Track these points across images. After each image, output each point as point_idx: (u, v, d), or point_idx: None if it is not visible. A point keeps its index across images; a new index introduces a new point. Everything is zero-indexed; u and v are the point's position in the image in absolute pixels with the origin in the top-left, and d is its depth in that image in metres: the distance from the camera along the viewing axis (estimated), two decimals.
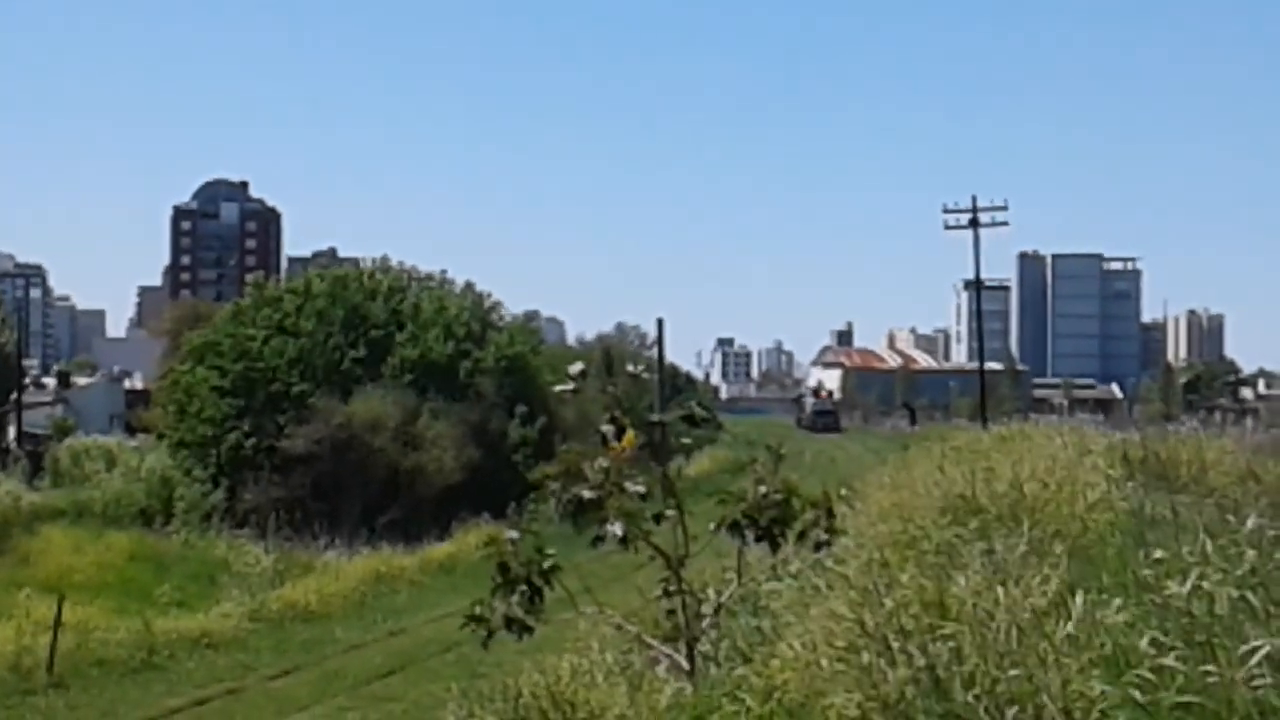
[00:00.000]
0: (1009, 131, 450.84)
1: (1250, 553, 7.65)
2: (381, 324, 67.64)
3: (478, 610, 10.01)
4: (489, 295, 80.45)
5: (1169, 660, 6.51)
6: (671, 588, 10.44)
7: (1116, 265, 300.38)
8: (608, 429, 10.03)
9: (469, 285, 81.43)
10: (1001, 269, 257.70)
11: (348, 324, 67.12)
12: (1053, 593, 8.56)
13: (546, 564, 9.95)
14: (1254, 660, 6.22)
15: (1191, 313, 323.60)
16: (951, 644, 7.45)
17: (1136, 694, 6.37)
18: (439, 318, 68.89)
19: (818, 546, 10.73)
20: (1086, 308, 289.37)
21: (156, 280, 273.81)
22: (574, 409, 62.51)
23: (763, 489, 10.44)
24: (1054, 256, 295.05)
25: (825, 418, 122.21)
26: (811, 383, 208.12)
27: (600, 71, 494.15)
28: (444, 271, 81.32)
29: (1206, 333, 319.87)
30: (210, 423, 63.88)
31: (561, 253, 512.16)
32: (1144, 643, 6.78)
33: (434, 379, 65.18)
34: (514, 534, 10.12)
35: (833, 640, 8.96)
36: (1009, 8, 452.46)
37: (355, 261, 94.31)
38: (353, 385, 63.69)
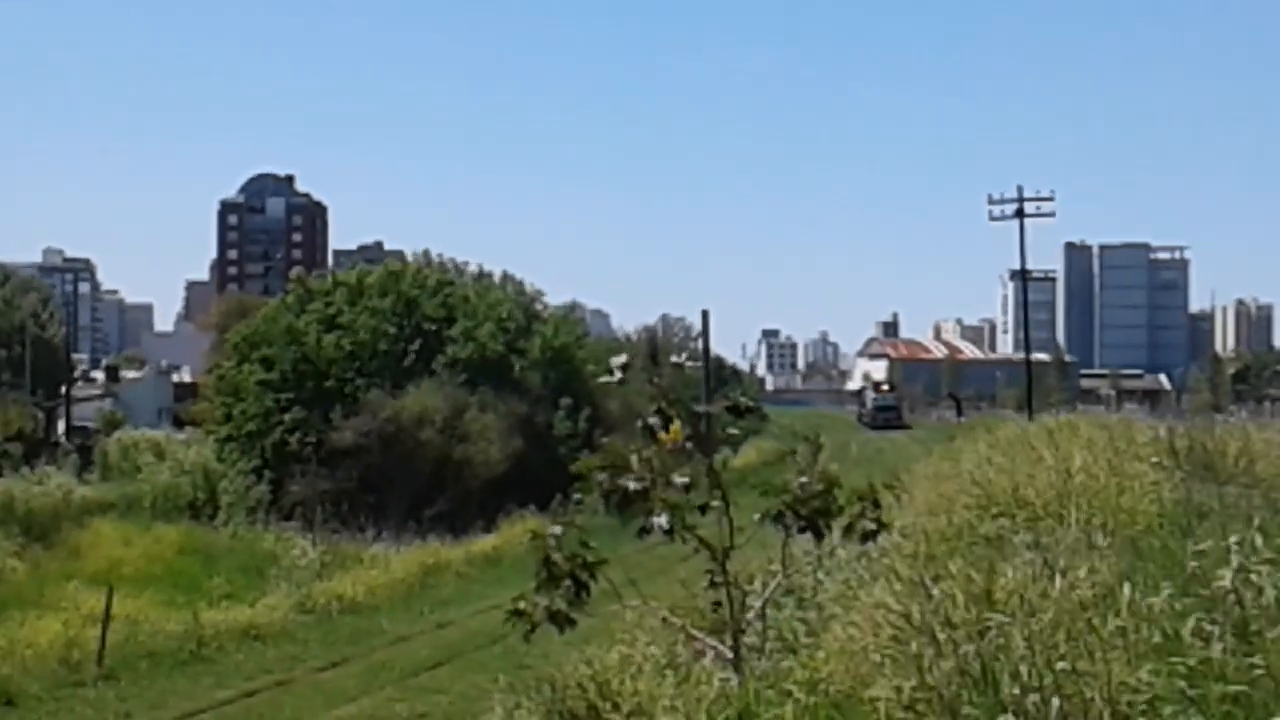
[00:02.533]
0: (1055, 121, 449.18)
1: None
2: (433, 318, 67.88)
3: (520, 605, 10.01)
4: (532, 286, 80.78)
5: (1217, 651, 6.48)
6: (717, 579, 10.43)
7: (1164, 255, 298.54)
8: (653, 420, 10.02)
9: (505, 276, 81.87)
10: (1048, 259, 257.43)
11: (400, 318, 67.41)
12: (1100, 584, 8.52)
13: (591, 558, 9.93)
14: None
15: (1240, 302, 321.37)
16: (999, 636, 7.42)
17: (1184, 685, 6.34)
18: (490, 312, 69.14)
19: (864, 538, 10.70)
20: (1134, 298, 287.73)
21: (204, 274, 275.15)
22: (619, 400, 62.67)
23: (803, 480, 10.41)
24: (1101, 246, 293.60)
25: (887, 413, 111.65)
26: (858, 374, 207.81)
27: (645, 62, 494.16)
28: (479, 265, 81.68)
29: (1255, 323, 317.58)
30: (257, 416, 64.23)
31: (607, 245, 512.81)
32: (1190, 633, 6.75)
33: (484, 373, 65.40)
34: (557, 529, 10.11)
35: (879, 632, 8.94)
36: None
37: (400, 255, 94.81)
38: (406, 379, 63.96)
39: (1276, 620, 6.75)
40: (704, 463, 10.48)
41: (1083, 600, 7.87)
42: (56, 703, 26.33)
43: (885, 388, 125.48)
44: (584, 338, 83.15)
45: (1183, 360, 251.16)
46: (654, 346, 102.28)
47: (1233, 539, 7.74)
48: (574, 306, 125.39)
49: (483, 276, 79.61)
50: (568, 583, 9.88)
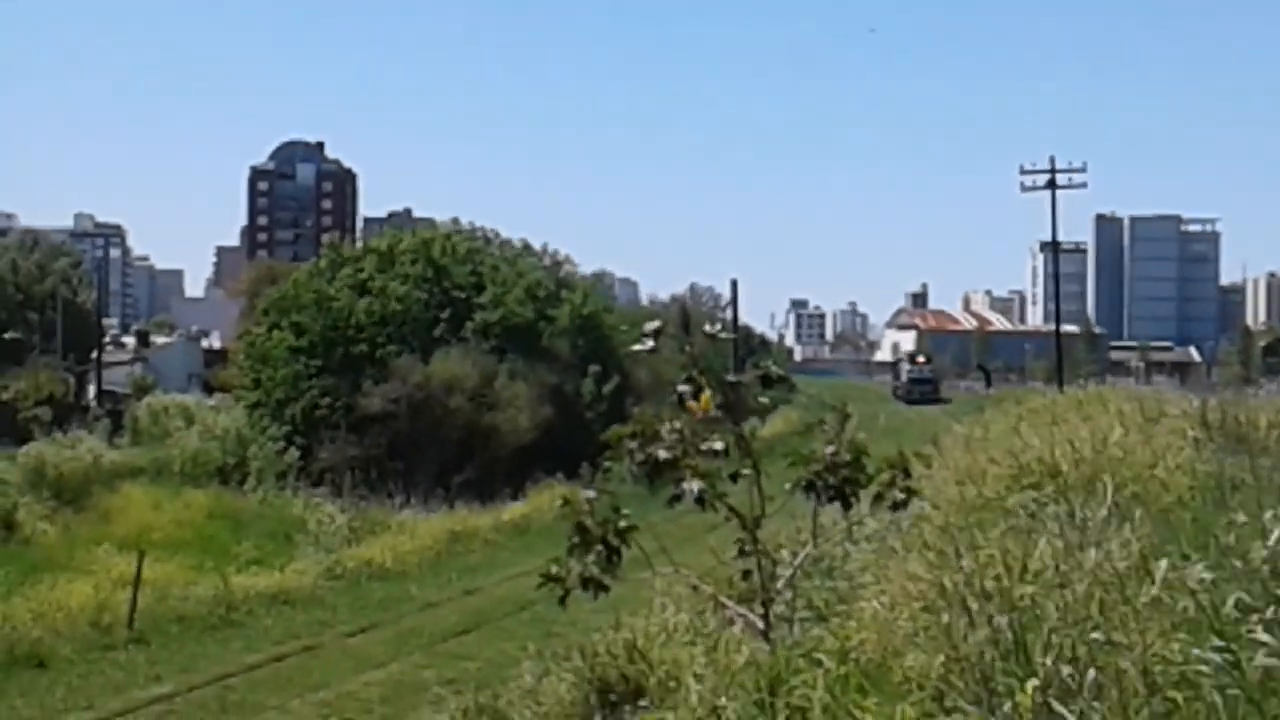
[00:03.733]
0: (1088, 91, 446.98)
1: None
2: (463, 285, 67.96)
3: (554, 570, 10.02)
4: (560, 253, 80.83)
5: (1252, 624, 6.44)
6: (747, 548, 10.42)
7: (1195, 227, 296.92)
8: (684, 388, 10.00)
9: (527, 245, 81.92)
10: (1078, 231, 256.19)
11: (431, 285, 67.50)
12: (1134, 556, 8.49)
13: (623, 524, 9.93)
14: None
15: (1271, 275, 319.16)
16: (1032, 607, 7.40)
17: (1218, 658, 6.31)
18: (520, 280, 69.20)
19: (894, 507, 10.68)
20: (1164, 270, 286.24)
21: (234, 240, 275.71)
22: (647, 369, 62.69)
23: (831, 449, 10.39)
24: (1132, 218, 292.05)
25: (923, 386, 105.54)
26: (886, 345, 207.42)
27: (674, 33, 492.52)
28: (499, 233, 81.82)
29: None
30: (286, 382, 64.40)
31: (636, 214, 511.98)
32: (1228, 606, 6.71)
33: (514, 340, 65.47)
34: (590, 493, 10.12)
35: (910, 602, 8.93)
36: None
37: (430, 222, 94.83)
38: (435, 346, 64.05)
39: None
40: (734, 431, 10.47)
41: (1117, 572, 7.84)
42: (87, 665, 26.52)
43: (921, 359, 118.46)
44: (611, 305, 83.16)
45: (1213, 333, 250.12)
46: (685, 315, 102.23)
47: (1268, 513, 7.71)
48: (602, 275, 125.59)
49: (512, 244, 79.44)
50: (600, 548, 9.89)
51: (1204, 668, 6.25)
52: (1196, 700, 6.12)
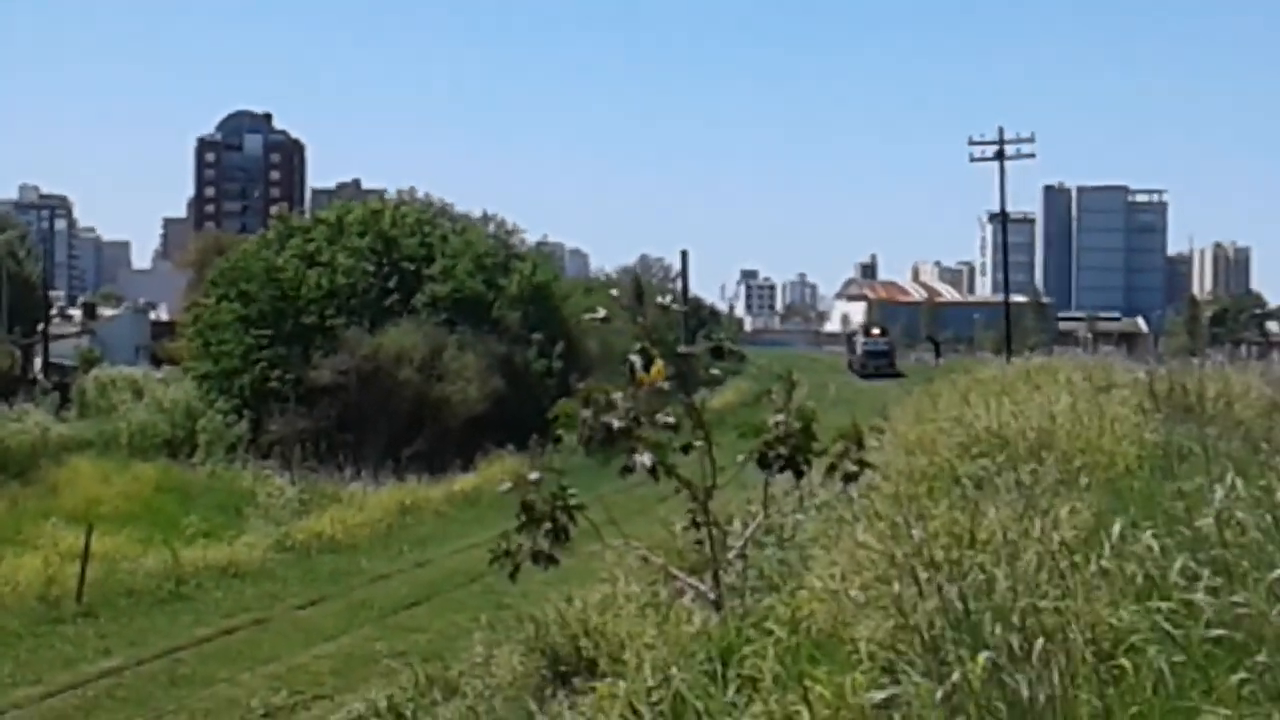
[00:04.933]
0: (1036, 63, 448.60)
1: None
2: (412, 256, 67.72)
3: (504, 545, 10.03)
4: (509, 223, 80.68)
5: (1199, 592, 6.50)
6: (699, 519, 10.45)
7: (1142, 198, 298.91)
8: (636, 360, 10.01)
9: (485, 214, 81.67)
10: (1027, 202, 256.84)
11: (380, 256, 67.25)
12: (1082, 525, 8.55)
13: (571, 501, 9.96)
14: None
15: (1218, 245, 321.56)
16: (981, 576, 7.44)
17: (1167, 626, 6.37)
18: (468, 249, 68.99)
19: (847, 479, 10.73)
20: (1112, 241, 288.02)
21: (181, 212, 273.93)
22: (597, 340, 62.66)
23: (780, 418, 10.42)
24: (1079, 189, 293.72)
25: (878, 360, 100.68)
26: (836, 316, 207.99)
27: (621, 4, 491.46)
28: (449, 203, 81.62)
29: (1233, 266, 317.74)
30: (235, 354, 64.07)
31: (585, 185, 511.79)
32: (1174, 574, 6.77)
33: (463, 312, 65.30)
34: (536, 475, 10.13)
35: (861, 572, 8.96)
36: None
37: (379, 193, 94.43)
38: (385, 318, 63.85)
39: (1258, 560, 6.78)
40: (685, 402, 10.48)
41: (1065, 540, 7.89)
42: (36, 639, 26.33)
43: (876, 332, 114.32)
44: (561, 276, 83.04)
45: (1160, 303, 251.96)
46: (638, 286, 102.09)
47: (1214, 479, 7.77)
48: (551, 245, 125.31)
49: (461, 215, 79.20)
50: (548, 525, 9.91)
51: (1151, 634, 6.31)
52: (1144, 668, 6.17)
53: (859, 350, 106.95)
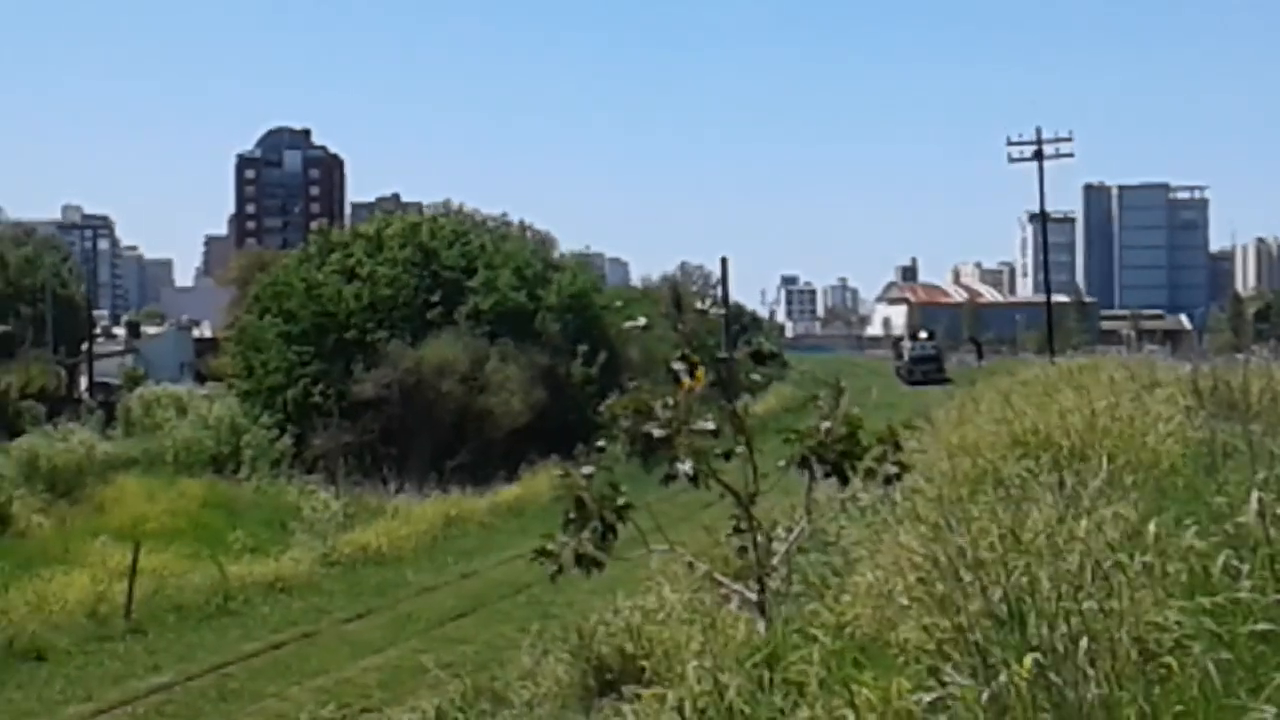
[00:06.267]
0: (1073, 62, 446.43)
1: None
2: (452, 268, 67.86)
3: (548, 546, 10.02)
4: (546, 234, 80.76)
5: (1244, 589, 6.47)
6: (742, 525, 10.44)
7: (1183, 195, 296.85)
8: (678, 366, 10.02)
9: (522, 224, 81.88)
10: (1067, 201, 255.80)
11: (420, 269, 67.41)
12: (1127, 525, 8.52)
13: (621, 501, 9.95)
14: None
15: (1260, 241, 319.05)
16: (1026, 577, 7.42)
17: (1211, 624, 6.34)
18: (509, 261, 69.09)
19: (887, 481, 10.71)
20: (1153, 238, 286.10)
21: (222, 229, 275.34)
22: (639, 347, 62.62)
23: (826, 424, 10.41)
24: (1120, 187, 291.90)
25: (926, 365, 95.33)
26: (877, 320, 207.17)
27: (660, 12, 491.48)
28: (504, 214, 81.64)
29: (1276, 261, 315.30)
30: (278, 370, 64.34)
31: (624, 194, 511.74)
32: (1218, 570, 6.74)
33: (505, 323, 65.38)
34: (588, 469, 10.13)
35: (905, 575, 8.95)
36: None
37: (418, 206, 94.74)
38: (427, 330, 64.00)
39: None
40: (727, 409, 10.48)
41: (1109, 540, 7.87)
42: (85, 657, 26.53)
43: (924, 335, 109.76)
44: (600, 285, 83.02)
45: (1203, 300, 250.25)
46: (677, 294, 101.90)
47: (1259, 476, 7.74)
48: (591, 254, 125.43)
49: (501, 226, 79.35)
50: (596, 524, 9.89)
51: (1197, 632, 6.29)
52: (1191, 666, 6.15)
53: (906, 356, 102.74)
